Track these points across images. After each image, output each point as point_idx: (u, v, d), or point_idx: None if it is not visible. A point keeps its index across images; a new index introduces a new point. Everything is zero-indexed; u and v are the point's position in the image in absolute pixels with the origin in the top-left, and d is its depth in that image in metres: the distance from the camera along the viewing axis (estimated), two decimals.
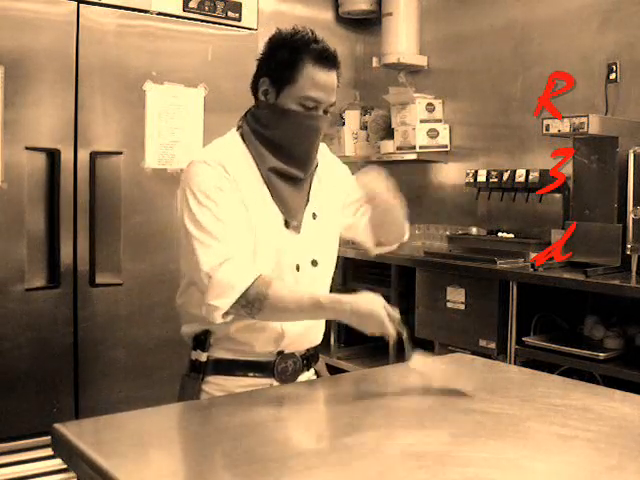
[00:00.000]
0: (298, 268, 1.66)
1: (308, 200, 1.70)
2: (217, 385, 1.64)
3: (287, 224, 1.65)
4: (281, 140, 1.63)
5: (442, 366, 1.69)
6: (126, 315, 2.91)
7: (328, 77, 1.60)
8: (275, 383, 1.66)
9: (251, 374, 1.64)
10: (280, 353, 1.66)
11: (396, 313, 1.52)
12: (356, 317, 1.51)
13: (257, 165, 1.64)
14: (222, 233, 1.53)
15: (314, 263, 1.69)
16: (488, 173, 3.40)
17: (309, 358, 1.75)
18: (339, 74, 1.65)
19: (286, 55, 1.59)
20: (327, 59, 1.60)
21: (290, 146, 1.63)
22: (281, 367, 1.66)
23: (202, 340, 1.63)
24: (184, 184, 1.60)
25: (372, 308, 1.50)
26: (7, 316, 2.66)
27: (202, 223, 1.54)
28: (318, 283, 1.72)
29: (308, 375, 1.75)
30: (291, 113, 1.60)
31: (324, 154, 1.82)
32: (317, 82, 1.58)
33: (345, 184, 1.83)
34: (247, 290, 1.50)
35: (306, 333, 1.71)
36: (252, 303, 1.51)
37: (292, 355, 1.68)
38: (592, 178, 2.87)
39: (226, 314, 1.53)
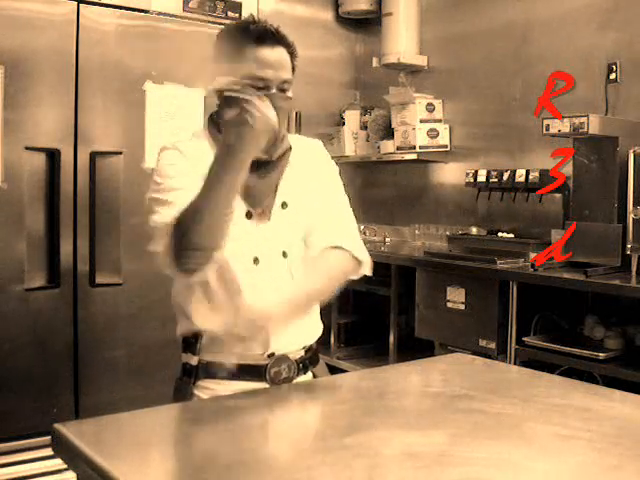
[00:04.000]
0: (256, 261, 1.60)
1: (277, 188, 1.64)
2: (208, 390, 1.60)
3: (249, 214, 1.60)
4: (233, 126, 1.55)
5: None
6: (126, 315, 2.92)
7: (272, 53, 1.56)
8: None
9: (243, 378, 1.60)
10: (271, 355, 1.61)
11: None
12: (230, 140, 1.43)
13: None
14: (172, 197, 1.51)
15: (284, 254, 1.63)
16: (488, 173, 3.40)
17: (305, 362, 1.69)
18: (291, 52, 1.61)
19: (227, 42, 1.60)
20: (267, 36, 1.57)
21: (244, 130, 1.53)
22: (274, 371, 1.61)
23: (192, 343, 1.60)
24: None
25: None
26: (7, 316, 2.67)
27: (155, 196, 1.54)
28: (289, 276, 1.64)
29: (304, 379, 1.70)
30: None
31: (315, 148, 1.78)
32: (261, 60, 1.55)
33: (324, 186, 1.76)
34: (172, 224, 1.45)
35: (296, 332, 1.65)
36: (176, 233, 1.44)
37: (286, 359, 1.64)
38: (592, 178, 2.87)
39: (175, 262, 1.46)
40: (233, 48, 1.57)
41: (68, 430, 1.23)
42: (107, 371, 2.88)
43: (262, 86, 1.55)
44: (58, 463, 2.45)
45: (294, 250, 1.66)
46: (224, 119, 1.48)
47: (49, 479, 2.68)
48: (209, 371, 1.61)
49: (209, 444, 1.24)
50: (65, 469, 2.51)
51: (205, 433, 1.31)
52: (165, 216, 1.48)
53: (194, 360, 1.61)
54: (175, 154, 1.60)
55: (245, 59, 1.55)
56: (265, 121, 1.43)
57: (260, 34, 1.56)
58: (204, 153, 1.60)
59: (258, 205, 1.61)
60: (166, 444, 1.31)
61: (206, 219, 1.44)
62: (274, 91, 1.56)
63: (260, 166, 1.61)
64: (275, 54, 1.57)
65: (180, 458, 1.24)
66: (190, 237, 1.43)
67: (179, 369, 1.66)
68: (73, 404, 2.80)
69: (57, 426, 1.24)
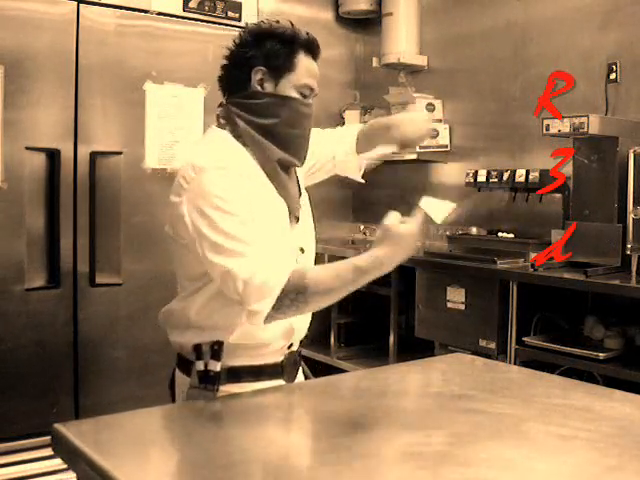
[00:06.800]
0: (296, 260, 1.65)
1: (300, 189, 1.72)
2: (229, 394, 1.59)
3: (291, 217, 1.64)
4: (282, 129, 1.61)
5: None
6: (126, 315, 2.92)
7: (315, 66, 1.66)
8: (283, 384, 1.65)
9: (262, 379, 1.61)
10: (290, 347, 1.67)
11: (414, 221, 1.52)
12: (393, 262, 1.50)
13: (258, 160, 1.61)
14: (250, 237, 1.48)
15: (302, 251, 1.68)
16: (488, 173, 3.40)
17: (300, 354, 1.76)
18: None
19: (279, 45, 1.61)
20: (316, 48, 1.66)
21: (291, 134, 1.63)
22: (289, 367, 1.67)
23: (215, 350, 1.58)
24: (194, 193, 1.51)
25: (397, 236, 1.49)
26: (7, 316, 2.67)
27: (227, 230, 1.48)
28: None
29: (300, 375, 1.76)
30: (292, 100, 1.62)
31: None
32: (310, 70, 1.64)
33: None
34: (285, 288, 1.46)
35: (305, 321, 1.71)
36: (295, 299, 1.47)
37: (294, 354, 1.69)
38: (592, 178, 2.87)
39: (271, 318, 1.48)
40: (285, 50, 1.61)
41: (68, 430, 1.23)
42: (107, 371, 2.88)
43: (307, 94, 1.65)
44: (58, 463, 2.46)
45: (310, 246, 1.72)
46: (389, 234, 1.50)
47: (49, 479, 2.68)
48: (230, 376, 1.59)
49: (208, 444, 1.24)
50: (65, 469, 2.51)
51: (204, 433, 1.31)
52: (257, 274, 1.45)
53: (217, 366, 1.58)
54: (235, 178, 1.53)
55: (298, 64, 1.62)
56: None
57: (310, 45, 1.64)
58: (246, 163, 1.60)
59: (296, 208, 1.66)
60: (166, 444, 1.31)
61: (333, 300, 1.52)
62: (312, 101, 1.67)
63: (288, 169, 1.67)
64: (316, 67, 1.67)
65: (180, 458, 1.24)
66: (308, 305, 1.50)
67: (194, 377, 1.60)
68: (73, 404, 2.80)
69: (57, 426, 1.24)
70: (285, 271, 1.47)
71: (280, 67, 1.60)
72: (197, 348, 1.60)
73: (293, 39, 1.62)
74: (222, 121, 1.65)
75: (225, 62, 1.66)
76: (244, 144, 1.61)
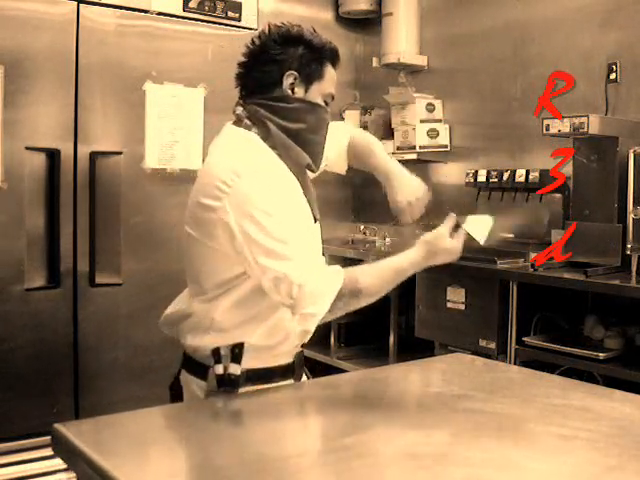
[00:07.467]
0: None
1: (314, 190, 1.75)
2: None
3: (315, 218, 1.67)
4: (307, 134, 1.64)
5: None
6: (126, 315, 2.92)
7: (335, 75, 1.70)
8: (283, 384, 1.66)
9: (275, 379, 1.62)
10: (302, 345, 1.69)
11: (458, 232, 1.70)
12: (427, 266, 1.65)
13: (286, 163, 1.61)
14: (297, 240, 1.51)
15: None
16: (488, 173, 3.40)
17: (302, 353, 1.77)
18: None
19: (309, 53, 1.64)
20: (338, 59, 1.70)
21: (313, 140, 1.66)
22: (298, 368, 1.68)
23: (237, 353, 1.57)
24: (239, 198, 1.48)
25: (441, 249, 1.65)
26: (7, 316, 2.67)
27: (277, 234, 1.48)
28: None
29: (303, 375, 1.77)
30: (319, 108, 1.66)
31: None
32: (334, 79, 1.69)
33: None
34: (341, 291, 1.51)
35: None
36: (349, 302, 1.54)
37: (301, 354, 1.71)
38: (592, 178, 2.87)
39: (322, 319, 1.53)
40: (316, 59, 1.65)
41: (68, 430, 1.23)
42: (107, 371, 2.88)
43: (329, 102, 1.70)
44: (58, 463, 2.46)
45: (320, 247, 1.73)
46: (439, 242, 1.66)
47: (49, 479, 2.68)
48: (246, 378, 1.58)
49: (208, 444, 1.24)
50: (65, 469, 2.52)
51: (204, 433, 1.31)
52: (310, 278, 1.48)
53: (238, 369, 1.57)
54: (276, 182, 1.55)
55: (326, 73, 1.67)
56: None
57: (334, 54, 1.69)
58: (277, 166, 1.60)
59: (317, 210, 1.69)
60: (165, 444, 1.31)
61: (380, 295, 1.61)
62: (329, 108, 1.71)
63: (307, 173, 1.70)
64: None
65: (179, 458, 1.24)
66: (357, 306, 1.59)
67: (212, 382, 1.58)
68: (73, 404, 2.80)
69: (57, 426, 1.24)
70: (337, 276, 1.51)
71: (312, 74, 1.63)
72: (216, 352, 1.57)
73: (323, 48, 1.65)
74: (247, 122, 1.61)
75: (245, 60, 1.64)
76: (272, 147, 1.60)
